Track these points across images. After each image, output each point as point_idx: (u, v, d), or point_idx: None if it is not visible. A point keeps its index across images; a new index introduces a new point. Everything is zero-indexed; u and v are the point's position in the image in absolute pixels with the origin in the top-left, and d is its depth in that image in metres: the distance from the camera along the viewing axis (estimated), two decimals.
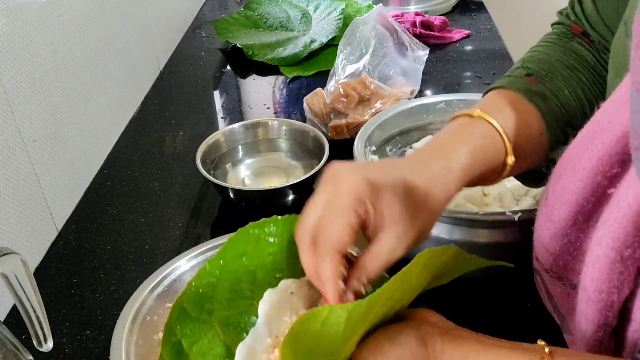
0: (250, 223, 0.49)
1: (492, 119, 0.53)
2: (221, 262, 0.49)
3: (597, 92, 0.58)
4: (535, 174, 0.60)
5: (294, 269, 0.51)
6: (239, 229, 0.47)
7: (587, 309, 0.43)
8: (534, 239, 0.52)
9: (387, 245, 0.45)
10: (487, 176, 0.54)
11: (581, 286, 0.44)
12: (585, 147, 0.43)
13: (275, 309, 0.48)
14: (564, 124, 0.57)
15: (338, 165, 0.47)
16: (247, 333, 0.48)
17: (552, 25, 0.65)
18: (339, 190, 0.45)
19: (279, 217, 0.50)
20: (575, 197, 0.44)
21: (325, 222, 0.45)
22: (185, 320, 0.49)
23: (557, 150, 0.57)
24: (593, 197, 0.43)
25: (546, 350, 0.41)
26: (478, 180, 0.54)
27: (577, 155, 0.44)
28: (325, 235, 0.45)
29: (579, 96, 0.58)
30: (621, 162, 0.41)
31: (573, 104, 0.57)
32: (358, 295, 0.45)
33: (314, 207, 0.47)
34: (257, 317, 0.48)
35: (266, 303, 0.48)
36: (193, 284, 0.48)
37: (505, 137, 0.53)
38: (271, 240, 0.51)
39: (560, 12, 0.64)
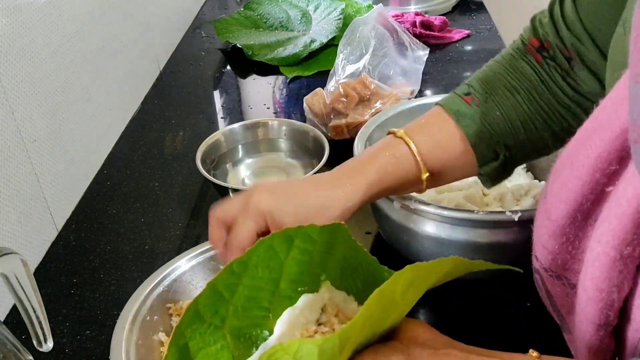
0: (287, 228, 0.47)
1: (410, 140, 0.60)
2: (247, 264, 0.47)
3: (535, 115, 0.62)
4: (483, 177, 0.64)
5: (316, 282, 0.49)
6: (273, 233, 0.47)
7: (587, 308, 0.43)
8: (533, 238, 0.52)
9: None
10: (403, 189, 0.62)
11: (581, 286, 0.44)
12: (584, 144, 0.43)
13: (290, 326, 0.47)
14: (492, 143, 0.61)
15: (258, 186, 0.58)
16: (256, 347, 0.47)
17: (514, 41, 0.67)
18: (251, 202, 0.56)
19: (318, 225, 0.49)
20: (573, 195, 0.44)
21: (240, 219, 0.56)
22: (197, 323, 0.47)
23: (488, 164, 0.62)
24: (592, 195, 0.43)
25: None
26: (392, 191, 0.62)
27: (576, 153, 0.44)
28: (237, 233, 0.56)
29: (511, 118, 0.61)
30: (620, 159, 0.41)
31: (503, 125, 0.61)
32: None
33: (236, 201, 0.58)
34: (270, 332, 0.47)
35: (284, 323, 0.47)
36: (214, 283, 0.46)
37: (418, 157, 0.59)
38: (303, 248, 0.49)
39: (533, 18, 0.66)
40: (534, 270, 0.54)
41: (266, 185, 0.58)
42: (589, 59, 0.58)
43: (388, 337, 0.45)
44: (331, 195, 0.57)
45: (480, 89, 0.63)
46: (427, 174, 0.60)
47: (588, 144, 0.43)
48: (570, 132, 0.60)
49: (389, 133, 0.63)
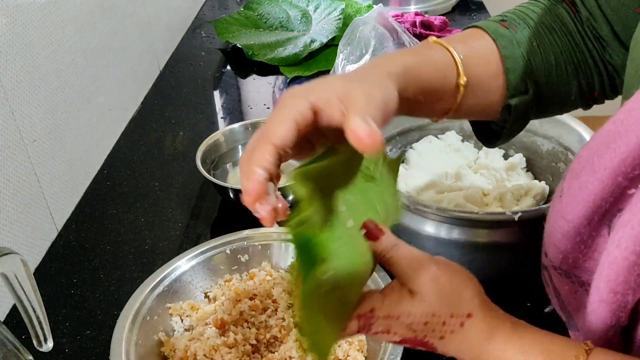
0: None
1: (447, 44, 0.55)
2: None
3: (568, 58, 0.59)
4: (489, 129, 0.61)
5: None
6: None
7: (599, 309, 0.43)
8: (544, 236, 0.52)
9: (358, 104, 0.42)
10: (438, 90, 0.54)
11: (594, 286, 0.44)
12: (607, 146, 0.43)
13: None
14: (524, 74, 0.57)
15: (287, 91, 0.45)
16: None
17: None
18: (285, 104, 0.43)
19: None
20: (592, 197, 0.44)
21: (269, 123, 0.43)
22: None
23: (518, 97, 0.57)
24: (611, 198, 0.43)
25: (585, 348, 0.41)
26: (426, 87, 0.52)
27: (597, 155, 0.44)
28: (265, 130, 0.42)
29: (547, 52, 0.58)
30: None
31: (538, 58, 0.58)
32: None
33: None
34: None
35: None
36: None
37: (457, 59, 0.54)
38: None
39: None
40: (542, 267, 0.54)
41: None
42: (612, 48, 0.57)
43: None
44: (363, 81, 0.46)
45: (518, 19, 0.59)
46: (466, 79, 0.54)
47: (612, 147, 0.42)
48: (592, 94, 0.59)
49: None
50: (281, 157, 0.42)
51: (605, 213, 0.44)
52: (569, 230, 0.47)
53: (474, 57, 0.55)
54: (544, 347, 0.42)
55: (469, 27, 0.60)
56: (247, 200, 0.43)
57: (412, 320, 0.43)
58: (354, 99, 0.41)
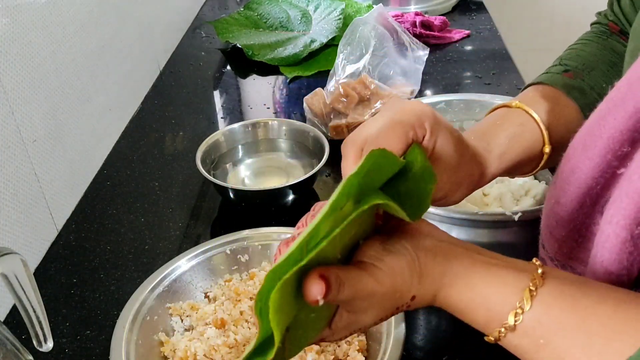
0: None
1: (530, 109, 0.55)
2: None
3: None
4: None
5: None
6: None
7: None
8: (541, 227, 0.52)
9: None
10: (525, 164, 0.55)
11: (589, 270, 0.43)
12: (597, 124, 0.43)
13: None
14: None
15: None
16: None
17: (591, 24, 0.65)
18: (404, 109, 0.45)
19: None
20: (584, 177, 0.44)
21: (382, 133, 0.43)
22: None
23: None
24: (602, 178, 0.43)
25: (539, 271, 0.40)
26: (515, 167, 0.55)
27: (589, 134, 0.44)
28: (377, 141, 0.43)
29: None
30: (632, 141, 0.41)
31: None
32: None
33: (373, 121, 0.46)
34: None
35: None
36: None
37: (542, 126, 0.54)
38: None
39: (598, 13, 0.65)
40: (540, 259, 0.54)
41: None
42: None
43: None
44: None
45: (580, 65, 0.59)
46: (550, 148, 0.55)
47: (601, 124, 0.42)
48: None
49: (495, 108, 0.58)
50: None
51: (597, 197, 0.44)
52: (563, 216, 0.47)
53: (557, 123, 0.55)
54: (482, 297, 0.41)
55: (533, 84, 0.59)
56: None
57: (363, 327, 0.43)
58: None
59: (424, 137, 0.45)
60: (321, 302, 0.37)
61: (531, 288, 0.40)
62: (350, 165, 0.45)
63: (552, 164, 0.58)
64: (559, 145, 0.55)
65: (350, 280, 0.39)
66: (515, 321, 0.39)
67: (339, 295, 0.38)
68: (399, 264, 0.41)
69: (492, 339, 0.42)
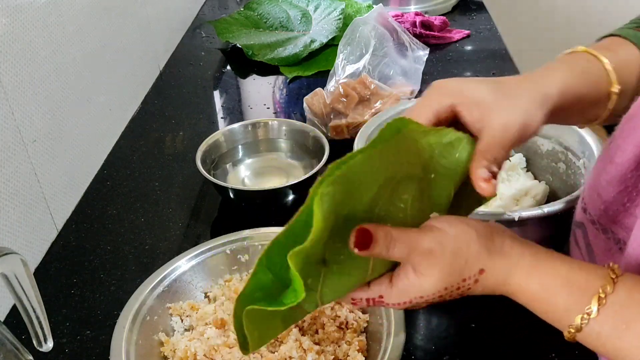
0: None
1: (597, 53, 0.54)
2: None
3: None
4: None
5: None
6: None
7: (633, 270, 0.43)
8: (584, 190, 0.52)
9: (493, 127, 0.47)
10: (591, 101, 0.54)
11: (630, 247, 0.44)
12: None
13: None
14: None
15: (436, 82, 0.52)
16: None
17: None
18: (435, 84, 0.51)
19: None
20: None
21: (416, 108, 0.49)
22: None
23: None
24: None
25: (612, 276, 0.41)
26: (580, 100, 0.53)
27: None
28: (410, 113, 0.49)
29: None
30: None
31: None
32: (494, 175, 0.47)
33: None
34: None
35: None
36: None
37: (609, 67, 0.53)
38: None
39: None
40: (574, 225, 0.55)
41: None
42: None
43: None
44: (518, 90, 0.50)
45: None
46: (619, 87, 0.53)
47: None
48: None
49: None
50: None
51: None
52: (615, 175, 0.47)
53: (623, 65, 0.55)
54: (566, 280, 0.42)
55: (605, 37, 0.59)
56: None
57: (425, 300, 0.44)
58: (489, 124, 0.46)
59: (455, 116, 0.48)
60: (356, 252, 0.40)
61: (611, 275, 0.40)
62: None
63: (620, 112, 0.56)
64: (627, 92, 0.54)
65: (405, 238, 0.42)
66: (599, 305, 0.40)
67: (390, 251, 0.41)
68: (466, 233, 0.43)
69: (572, 330, 0.42)
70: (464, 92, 0.48)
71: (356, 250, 0.40)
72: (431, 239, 0.42)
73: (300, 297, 0.40)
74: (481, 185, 0.45)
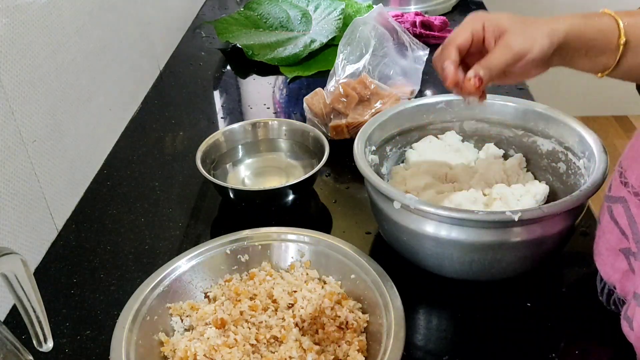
0: None
1: (614, 13, 0.61)
2: None
3: None
4: None
5: None
6: None
7: None
8: (624, 162, 0.57)
9: (502, 45, 0.61)
10: (599, 47, 0.61)
11: None
12: None
13: None
14: None
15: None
16: None
17: None
18: (468, 16, 0.68)
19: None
20: None
21: (455, 32, 0.66)
22: None
23: None
24: None
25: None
26: (587, 44, 0.61)
27: None
28: (451, 36, 0.66)
29: None
30: None
31: None
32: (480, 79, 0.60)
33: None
34: None
35: None
36: None
37: (620, 23, 0.60)
38: None
39: None
40: (610, 202, 0.59)
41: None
42: None
43: None
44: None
45: None
46: (625, 39, 0.60)
47: None
48: None
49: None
50: (461, 56, 0.64)
51: None
52: None
53: (637, 25, 0.60)
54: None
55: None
56: (447, 84, 0.62)
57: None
58: (498, 43, 0.61)
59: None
60: None
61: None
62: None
63: (630, 68, 0.62)
64: (635, 45, 0.60)
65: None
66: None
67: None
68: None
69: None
70: (492, 19, 0.63)
71: None
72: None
73: None
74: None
